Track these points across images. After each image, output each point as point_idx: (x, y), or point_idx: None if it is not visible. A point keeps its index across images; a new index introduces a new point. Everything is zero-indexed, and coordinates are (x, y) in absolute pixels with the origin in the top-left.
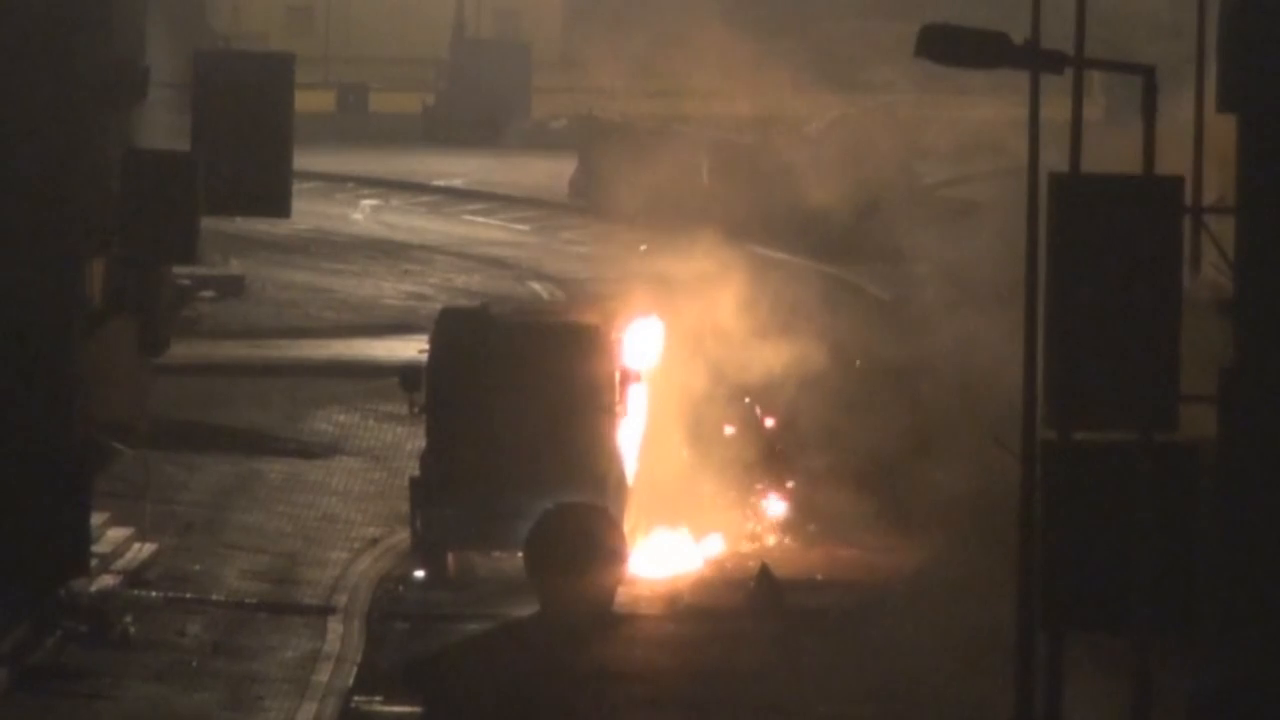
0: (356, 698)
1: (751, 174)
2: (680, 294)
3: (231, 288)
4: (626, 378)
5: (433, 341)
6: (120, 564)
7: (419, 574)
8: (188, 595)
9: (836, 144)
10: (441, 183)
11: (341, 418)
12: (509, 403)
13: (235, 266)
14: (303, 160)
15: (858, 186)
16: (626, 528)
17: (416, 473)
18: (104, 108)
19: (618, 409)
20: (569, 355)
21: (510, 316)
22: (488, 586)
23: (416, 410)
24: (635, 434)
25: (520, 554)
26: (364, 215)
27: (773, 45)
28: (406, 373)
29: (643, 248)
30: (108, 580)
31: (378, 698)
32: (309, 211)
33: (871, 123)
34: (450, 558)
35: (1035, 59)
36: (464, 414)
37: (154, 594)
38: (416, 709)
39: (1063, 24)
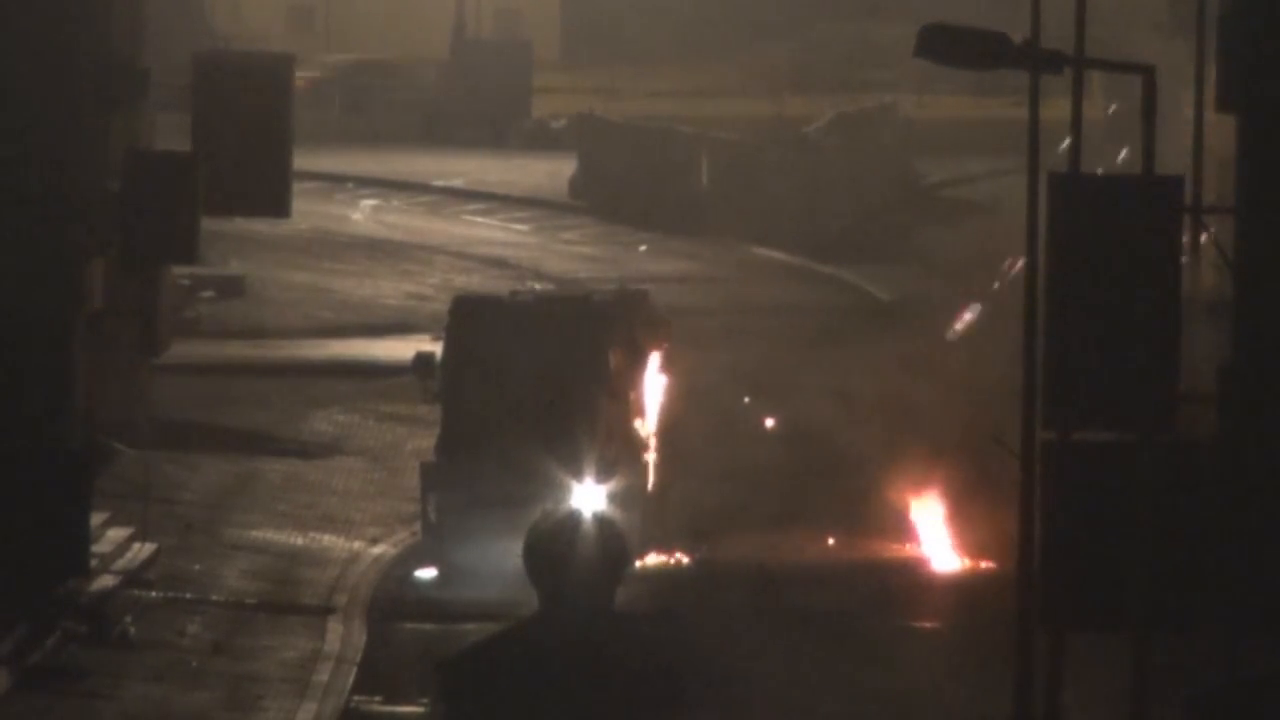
0: (356, 698)
1: (751, 174)
2: (680, 294)
3: (231, 288)
4: (642, 362)
5: (447, 329)
6: (120, 564)
7: (420, 573)
8: (188, 595)
9: (836, 143)
10: (441, 183)
11: (341, 418)
12: (523, 389)
13: (235, 266)
14: (303, 160)
15: (856, 186)
16: (638, 515)
17: (430, 459)
18: (104, 108)
19: (633, 394)
20: (583, 342)
21: (525, 303)
22: (490, 585)
23: (430, 397)
24: (652, 418)
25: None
26: (364, 215)
27: (773, 46)
28: (419, 359)
29: (642, 248)
30: (108, 580)
31: (378, 698)
32: (309, 211)
33: (871, 122)
34: (464, 545)
35: (1035, 59)
36: (478, 400)
37: (154, 594)
38: (417, 709)
39: (1061, 24)
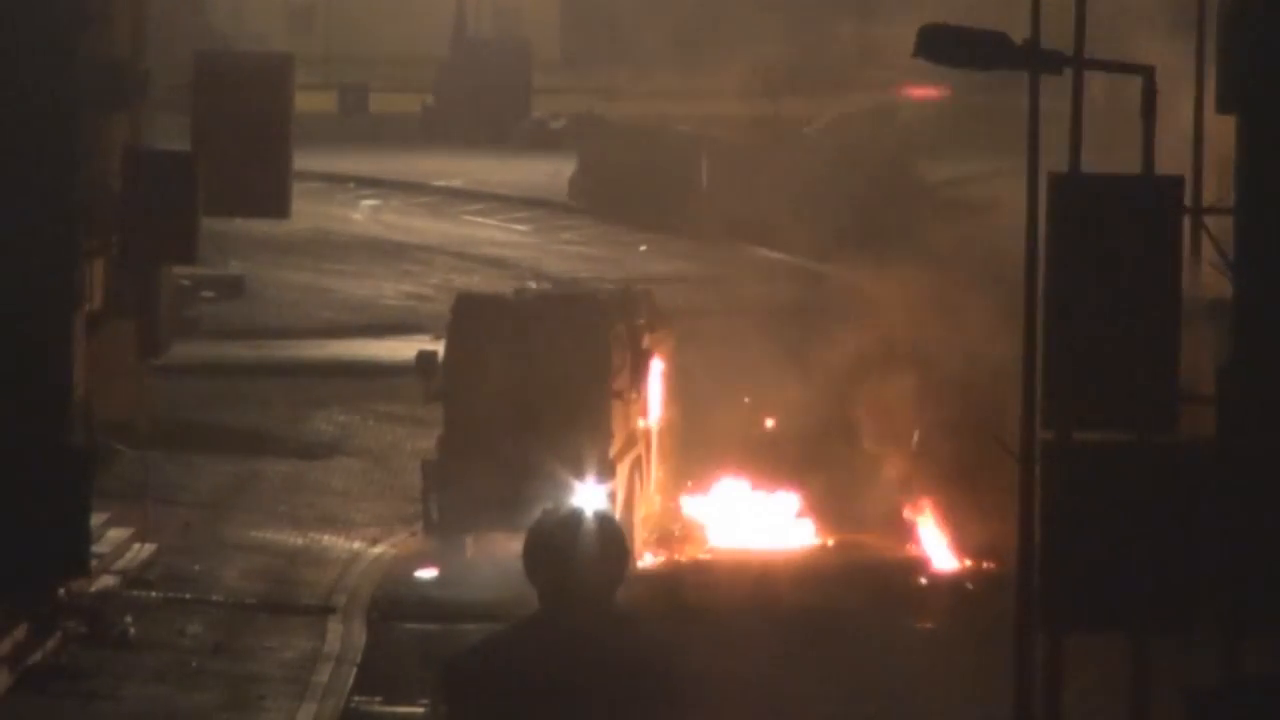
0: (356, 698)
1: (751, 174)
2: (680, 294)
3: (231, 288)
4: (643, 362)
5: (450, 327)
6: (120, 564)
7: (420, 573)
8: (188, 595)
9: (836, 143)
10: (441, 183)
11: (341, 418)
12: (525, 388)
13: (235, 266)
14: (303, 160)
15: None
16: (639, 514)
17: (431, 458)
18: (104, 108)
19: (634, 394)
20: (585, 341)
21: (527, 302)
22: (490, 585)
23: (432, 396)
24: (653, 417)
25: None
26: (364, 215)
27: (772, 46)
28: (422, 358)
29: (642, 248)
30: (108, 580)
31: (378, 698)
32: (309, 211)
33: (872, 122)
34: (468, 541)
35: (1035, 59)
36: (480, 399)
37: (154, 594)
38: (417, 709)
39: (1061, 26)
